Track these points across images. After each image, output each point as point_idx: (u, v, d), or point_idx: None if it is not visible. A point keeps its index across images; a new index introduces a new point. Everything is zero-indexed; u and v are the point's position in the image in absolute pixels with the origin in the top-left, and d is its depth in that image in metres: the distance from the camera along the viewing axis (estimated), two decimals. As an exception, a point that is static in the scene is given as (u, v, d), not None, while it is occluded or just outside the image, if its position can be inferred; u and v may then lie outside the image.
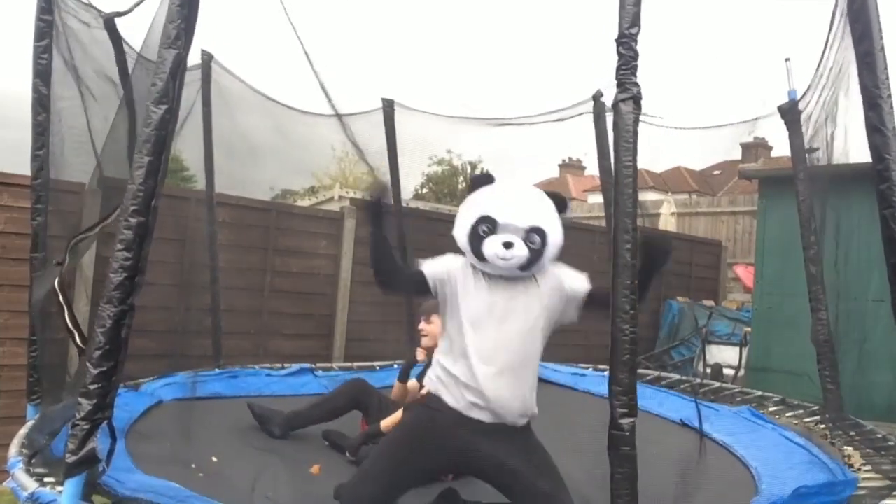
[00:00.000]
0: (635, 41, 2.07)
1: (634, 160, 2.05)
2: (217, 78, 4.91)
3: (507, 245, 2.38)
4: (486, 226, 2.42)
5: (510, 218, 2.42)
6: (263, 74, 5.40)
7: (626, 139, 2.06)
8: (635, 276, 2.02)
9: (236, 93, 5.03)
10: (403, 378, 3.81)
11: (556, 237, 2.47)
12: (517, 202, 2.49)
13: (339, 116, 4.91)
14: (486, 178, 2.58)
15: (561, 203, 2.55)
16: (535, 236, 2.42)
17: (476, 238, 2.43)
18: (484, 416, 2.38)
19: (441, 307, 2.55)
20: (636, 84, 2.07)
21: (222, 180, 5.24)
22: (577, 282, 2.55)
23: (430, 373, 2.52)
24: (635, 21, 2.08)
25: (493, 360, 2.37)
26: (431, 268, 2.53)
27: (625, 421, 1.96)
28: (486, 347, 2.38)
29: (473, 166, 25.29)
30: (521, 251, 2.40)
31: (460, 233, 2.48)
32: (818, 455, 3.55)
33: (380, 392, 3.98)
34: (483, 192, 2.53)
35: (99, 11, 3.29)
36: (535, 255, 2.42)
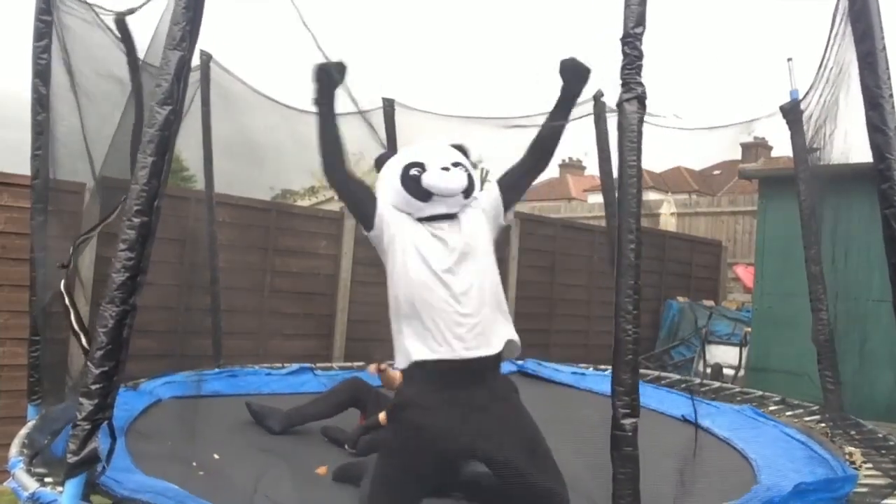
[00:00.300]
0: (640, 41, 2.08)
1: (639, 160, 2.06)
2: (216, 78, 4.90)
3: (445, 169, 2.50)
4: (416, 168, 2.50)
5: (435, 159, 2.53)
6: (262, 74, 5.41)
7: (631, 139, 2.07)
8: (639, 276, 2.03)
9: (235, 93, 5.03)
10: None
11: (475, 174, 2.62)
12: (432, 147, 2.65)
13: (360, 113, 4.91)
14: (390, 154, 2.71)
15: (464, 151, 2.70)
16: (462, 167, 2.56)
17: (411, 180, 2.48)
18: (474, 346, 2.34)
19: (386, 255, 2.52)
20: (641, 84, 2.08)
21: (222, 180, 5.23)
22: (489, 192, 2.65)
23: (401, 346, 2.48)
24: (640, 20, 2.09)
25: (469, 293, 2.38)
26: (385, 203, 2.53)
27: (627, 421, 1.96)
28: (459, 283, 2.38)
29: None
30: (460, 173, 2.52)
31: (392, 191, 2.51)
32: (819, 452, 3.56)
33: (377, 389, 3.99)
34: (394, 158, 2.63)
35: (97, 12, 3.28)
36: (471, 181, 2.54)
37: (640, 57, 2.08)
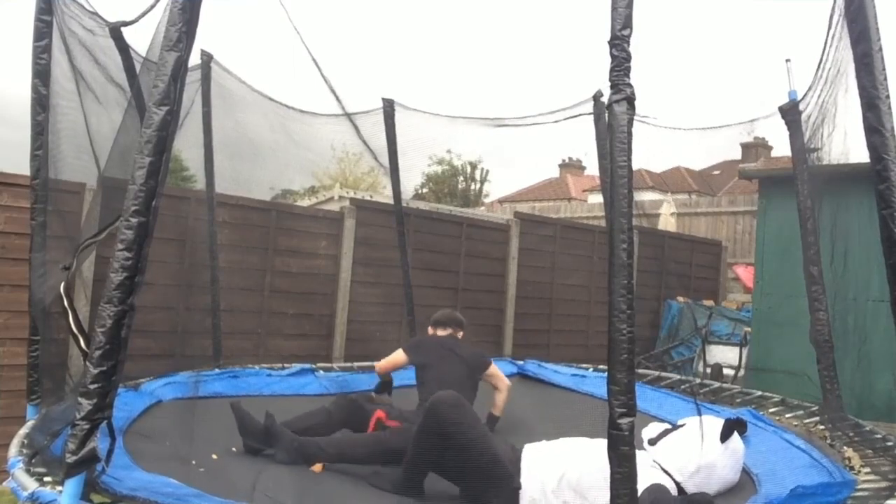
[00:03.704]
0: (628, 43, 2.09)
1: (629, 160, 2.06)
2: (217, 78, 4.90)
3: None
4: None
5: None
6: (263, 74, 5.41)
7: (621, 140, 2.08)
8: (632, 275, 2.03)
9: (236, 93, 5.03)
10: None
11: None
12: None
13: (347, 115, 4.94)
14: None
15: None
16: None
17: None
18: None
19: None
20: (629, 85, 2.08)
21: (222, 180, 5.24)
22: None
23: None
24: (627, 23, 2.09)
25: None
26: None
27: (623, 420, 1.96)
28: None
29: (473, 166, 25.31)
30: None
31: None
32: (818, 458, 3.53)
33: (370, 407, 3.82)
34: None
35: (105, 21, 3.28)
36: None
37: (628, 59, 2.09)
